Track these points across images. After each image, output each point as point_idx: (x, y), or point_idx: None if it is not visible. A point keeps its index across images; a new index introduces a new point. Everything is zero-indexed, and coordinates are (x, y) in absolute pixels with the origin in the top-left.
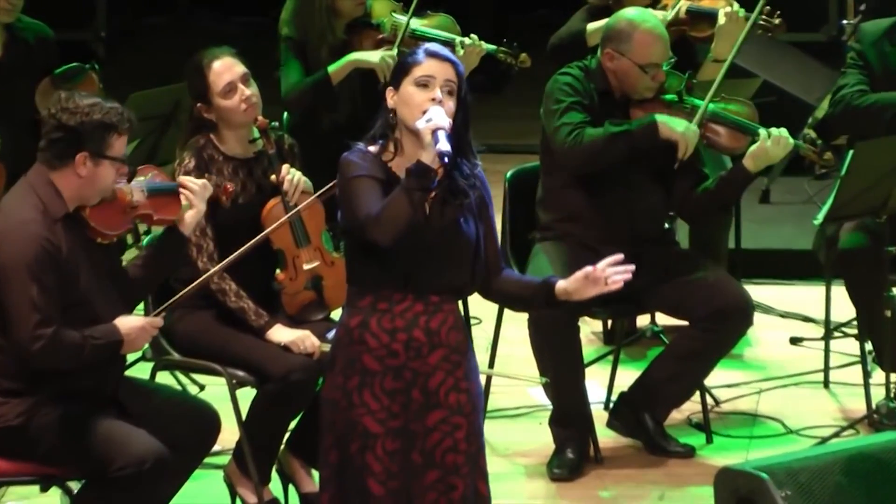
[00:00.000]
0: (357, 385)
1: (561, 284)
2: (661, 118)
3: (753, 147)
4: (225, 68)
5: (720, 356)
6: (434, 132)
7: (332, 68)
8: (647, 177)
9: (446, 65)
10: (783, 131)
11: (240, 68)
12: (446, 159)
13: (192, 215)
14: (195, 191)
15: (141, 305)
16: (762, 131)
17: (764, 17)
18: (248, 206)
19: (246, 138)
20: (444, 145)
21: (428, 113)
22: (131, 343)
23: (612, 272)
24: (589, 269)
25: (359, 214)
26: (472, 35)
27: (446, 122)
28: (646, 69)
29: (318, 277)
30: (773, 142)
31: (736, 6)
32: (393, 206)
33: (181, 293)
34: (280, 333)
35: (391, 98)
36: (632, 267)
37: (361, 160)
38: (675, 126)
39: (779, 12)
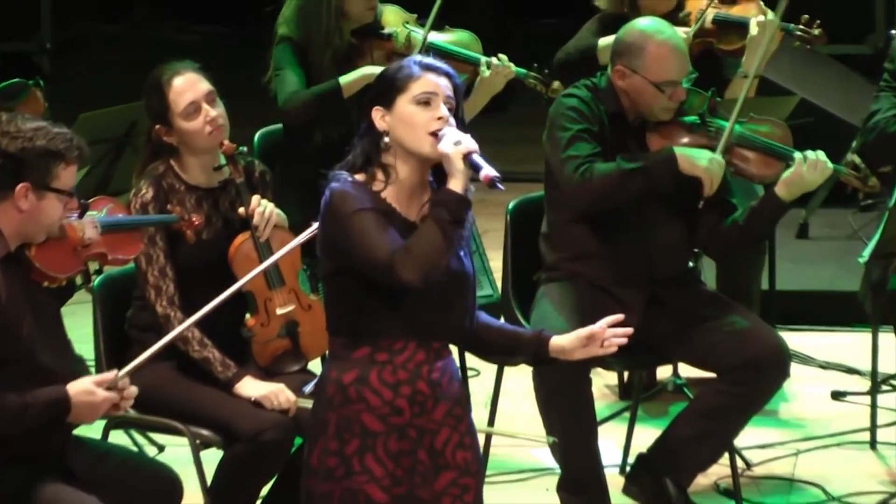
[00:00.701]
0: (357, 449)
1: (557, 341)
2: (681, 151)
3: (787, 173)
4: (187, 86)
5: (752, 413)
6: (468, 157)
7: (343, 80)
8: (667, 209)
9: (444, 78)
10: (820, 154)
11: (204, 86)
12: (500, 185)
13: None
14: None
15: (91, 356)
16: (797, 155)
17: (802, 26)
18: (214, 243)
19: (210, 165)
20: (491, 170)
21: (448, 135)
22: (79, 415)
23: (611, 333)
24: (595, 327)
25: (381, 253)
26: (500, 55)
27: (474, 143)
28: (662, 87)
29: (293, 323)
30: (810, 167)
31: (770, 15)
32: (425, 242)
33: (143, 357)
34: (250, 387)
35: (381, 119)
36: (630, 330)
37: (356, 191)
38: (697, 160)
39: (818, 22)
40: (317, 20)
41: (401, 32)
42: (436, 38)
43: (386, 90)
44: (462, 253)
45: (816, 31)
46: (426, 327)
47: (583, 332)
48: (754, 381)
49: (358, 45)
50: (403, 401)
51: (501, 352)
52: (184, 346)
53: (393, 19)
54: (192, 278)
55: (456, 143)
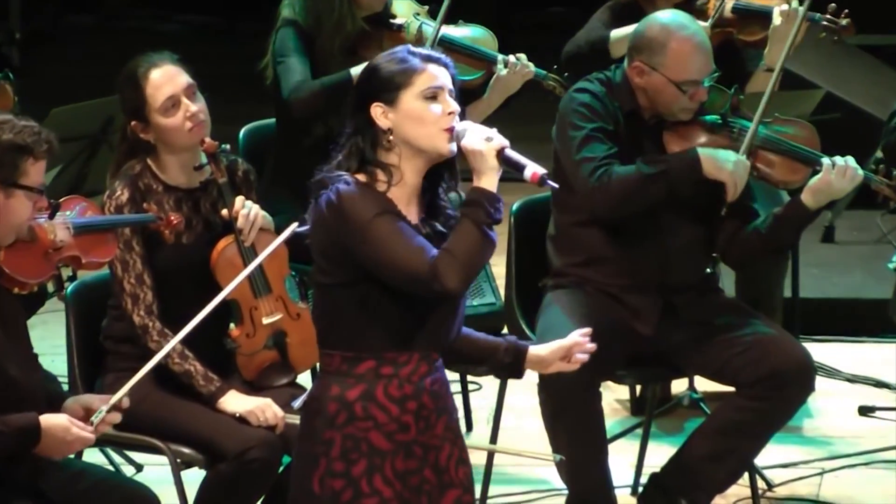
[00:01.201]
0: (365, 470)
1: (535, 351)
2: (706, 153)
3: (814, 180)
4: (166, 79)
5: (774, 430)
6: (502, 153)
7: (355, 72)
8: (684, 211)
9: (444, 69)
10: (850, 161)
11: (184, 79)
12: (552, 182)
13: None
14: None
15: (65, 371)
16: (825, 161)
17: (829, 16)
18: (194, 247)
19: (190, 164)
20: (536, 165)
21: (472, 130)
22: (47, 450)
23: (579, 349)
24: (578, 339)
25: (419, 261)
26: (518, 55)
27: (504, 138)
28: (683, 87)
29: (280, 333)
30: (838, 174)
31: (795, 3)
32: (468, 246)
33: (125, 388)
34: (234, 402)
35: (383, 116)
36: (593, 346)
37: (366, 193)
38: (722, 163)
39: (846, 11)
40: (328, 5)
41: (412, 24)
42: (450, 32)
43: (386, 85)
44: None
45: (844, 22)
46: (430, 337)
47: (564, 342)
48: (777, 396)
49: (370, 33)
50: (410, 416)
51: (467, 361)
52: (163, 359)
53: (404, 9)
54: (170, 285)
55: (487, 139)
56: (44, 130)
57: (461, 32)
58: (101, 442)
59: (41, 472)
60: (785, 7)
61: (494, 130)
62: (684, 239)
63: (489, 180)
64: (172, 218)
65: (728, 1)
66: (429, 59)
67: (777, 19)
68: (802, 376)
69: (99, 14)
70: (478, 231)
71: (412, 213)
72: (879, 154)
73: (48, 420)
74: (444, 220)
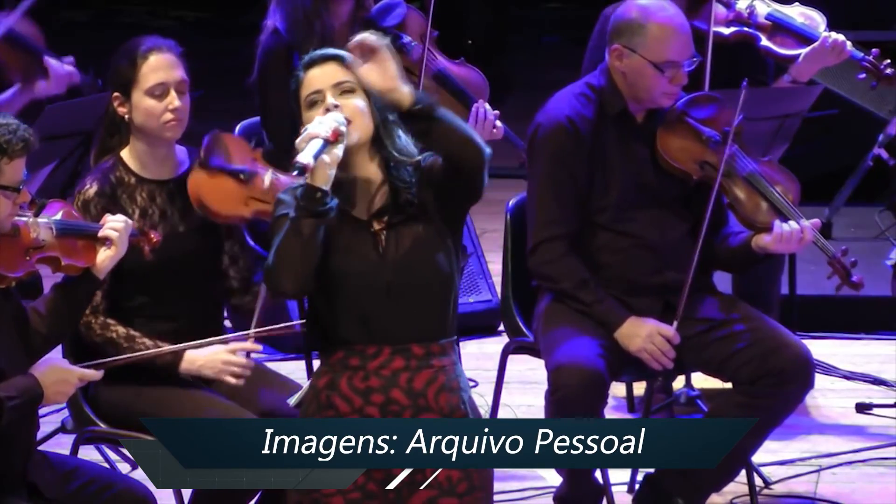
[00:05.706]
0: None
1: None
2: (623, 332)
3: (767, 237)
4: (164, 66)
5: (772, 427)
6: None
7: None
8: (676, 211)
9: (327, 65)
10: (808, 232)
11: (179, 73)
12: (296, 171)
13: (109, 257)
14: (119, 230)
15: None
16: (790, 223)
17: (872, 59)
18: (171, 239)
19: (166, 158)
20: (301, 156)
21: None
22: (53, 397)
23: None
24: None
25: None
26: (493, 112)
27: (322, 129)
28: (662, 68)
29: None
30: (787, 238)
31: (841, 37)
32: (279, 248)
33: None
34: (193, 359)
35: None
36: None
37: (291, 192)
38: (630, 342)
39: (888, 61)
40: (292, 6)
41: (415, 47)
42: (448, 67)
43: (297, 105)
44: (425, 243)
45: (889, 71)
46: (390, 332)
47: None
48: (776, 393)
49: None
50: (374, 409)
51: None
52: (114, 352)
53: (415, 29)
54: (153, 281)
55: (303, 131)
56: (20, 127)
57: (458, 71)
58: (96, 438)
59: (35, 470)
60: (836, 37)
61: (319, 124)
62: (672, 236)
63: (314, 171)
64: (152, 235)
65: (760, 5)
66: (310, 63)
67: (825, 44)
68: (802, 373)
69: (93, 9)
70: (288, 232)
71: (362, 209)
72: (876, 150)
73: (38, 369)
74: (403, 207)
